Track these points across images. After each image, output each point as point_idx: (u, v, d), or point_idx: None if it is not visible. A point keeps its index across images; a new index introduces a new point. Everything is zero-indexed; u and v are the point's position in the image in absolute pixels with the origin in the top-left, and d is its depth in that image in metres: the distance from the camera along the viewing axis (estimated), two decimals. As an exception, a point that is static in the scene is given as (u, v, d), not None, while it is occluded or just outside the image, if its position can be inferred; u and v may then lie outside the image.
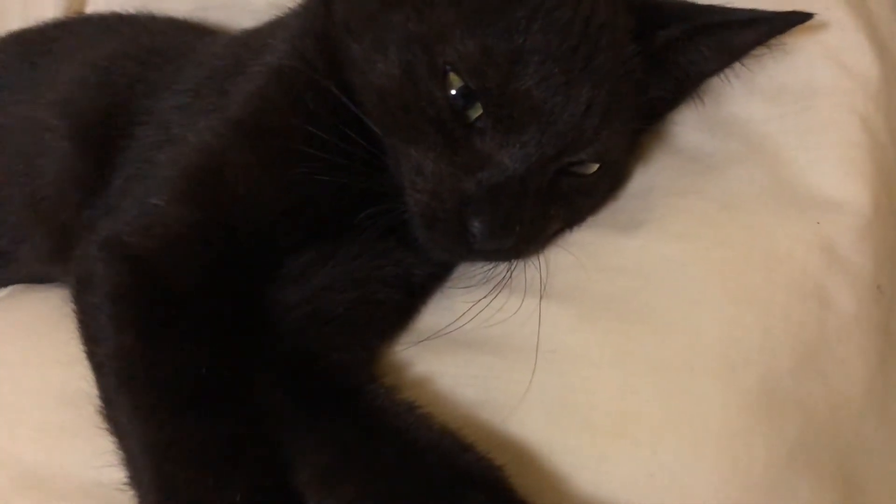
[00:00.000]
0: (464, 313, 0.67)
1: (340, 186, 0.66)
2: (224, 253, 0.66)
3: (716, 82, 0.74)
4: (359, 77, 0.67)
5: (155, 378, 0.60)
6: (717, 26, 0.70)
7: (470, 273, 0.72)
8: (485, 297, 0.68)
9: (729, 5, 0.71)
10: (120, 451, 0.60)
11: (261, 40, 0.77)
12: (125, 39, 0.89)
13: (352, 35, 0.68)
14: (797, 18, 0.69)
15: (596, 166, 0.68)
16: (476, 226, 0.63)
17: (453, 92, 0.63)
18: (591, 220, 0.72)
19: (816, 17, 0.70)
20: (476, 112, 0.64)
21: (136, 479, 0.59)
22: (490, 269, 0.70)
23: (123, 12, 0.96)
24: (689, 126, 0.75)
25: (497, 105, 0.63)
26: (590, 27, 0.65)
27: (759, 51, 0.70)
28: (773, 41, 0.70)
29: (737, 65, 0.72)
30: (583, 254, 0.68)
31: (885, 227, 0.67)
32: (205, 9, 0.98)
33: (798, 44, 0.71)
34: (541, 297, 0.66)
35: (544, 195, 0.66)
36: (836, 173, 0.68)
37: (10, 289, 0.86)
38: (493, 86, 0.62)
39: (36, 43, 0.91)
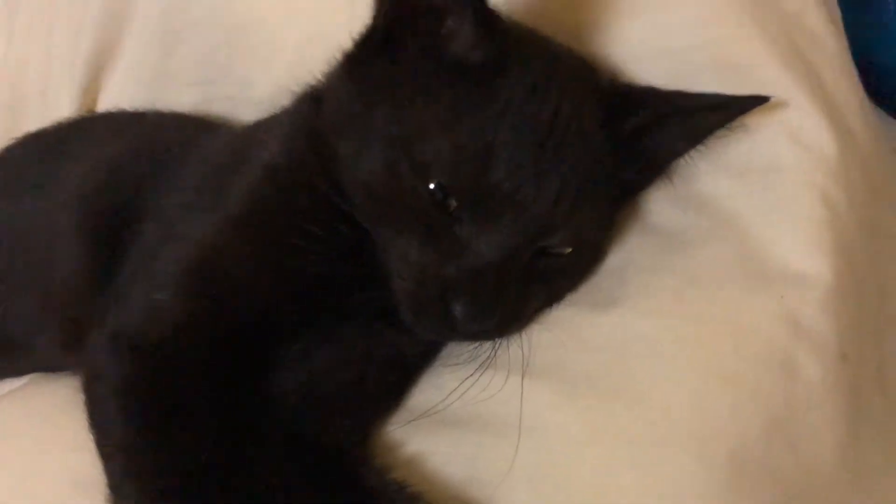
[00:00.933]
0: (452, 391, 0.71)
1: (332, 275, 0.70)
2: (225, 343, 0.70)
3: (684, 160, 0.77)
4: (346, 173, 0.72)
5: (159, 468, 0.64)
6: (682, 111, 0.75)
7: (457, 351, 0.76)
8: (471, 375, 0.72)
9: (692, 88, 0.76)
10: None
11: (256, 138, 0.82)
12: (133, 137, 0.94)
13: (339, 134, 0.73)
14: (757, 101, 0.73)
15: (570, 249, 0.72)
16: (458, 309, 0.67)
17: (432, 186, 0.68)
18: (570, 298, 0.75)
19: (777, 98, 0.74)
20: (454, 203, 0.68)
21: None
22: (476, 348, 0.74)
23: (132, 110, 1.02)
24: (659, 203, 0.79)
25: (471, 198, 0.67)
26: (558, 119, 0.69)
27: (723, 132, 0.75)
28: (735, 123, 0.74)
29: (703, 145, 0.76)
30: (562, 331, 0.72)
31: (847, 298, 0.70)
32: (209, 101, 1.03)
33: (761, 123, 0.75)
34: (523, 375, 0.70)
35: (523, 277, 0.70)
36: (798, 248, 0.71)
37: (28, 377, 0.91)
38: (466, 181, 0.67)
39: (50, 143, 0.97)
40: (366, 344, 0.74)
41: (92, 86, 1.09)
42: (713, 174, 0.77)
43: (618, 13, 0.82)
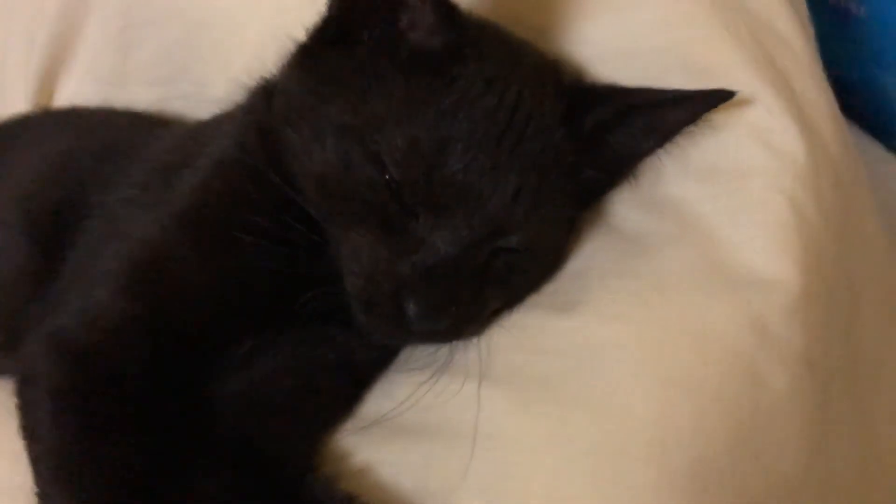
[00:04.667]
0: (405, 398, 0.68)
1: (281, 273, 0.67)
2: (165, 345, 0.67)
3: (650, 162, 0.75)
4: (298, 166, 0.69)
5: (92, 475, 0.61)
6: (646, 106, 0.72)
7: (413, 357, 0.73)
8: (426, 380, 0.69)
9: (658, 86, 0.74)
10: None
11: (207, 134, 0.80)
12: (82, 134, 0.91)
13: (291, 126, 0.70)
14: (722, 96, 0.71)
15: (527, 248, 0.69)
16: (411, 308, 0.64)
17: (387, 177, 0.65)
18: (529, 301, 0.73)
19: (742, 95, 0.72)
20: (408, 196, 0.66)
21: None
22: (432, 353, 0.71)
23: (84, 107, 0.99)
24: (624, 206, 0.76)
25: (425, 192, 0.65)
26: (516, 114, 0.67)
27: (688, 129, 0.72)
28: (700, 120, 0.72)
29: (669, 145, 0.74)
30: (521, 335, 0.69)
31: (815, 305, 0.68)
32: (166, 100, 1.01)
33: (728, 123, 0.73)
34: (480, 381, 0.67)
35: (480, 276, 0.68)
36: (765, 253, 0.69)
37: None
38: (421, 173, 0.65)
39: (-1, 136, 0.94)
40: (315, 348, 0.71)
41: (47, 84, 1.06)
42: (679, 176, 0.75)
43: (582, 13, 0.80)
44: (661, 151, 0.74)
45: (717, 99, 0.70)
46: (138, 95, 1.02)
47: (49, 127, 0.96)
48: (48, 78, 1.07)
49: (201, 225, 0.70)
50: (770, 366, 0.65)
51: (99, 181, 0.80)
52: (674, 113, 0.71)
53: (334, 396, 0.71)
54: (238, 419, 0.67)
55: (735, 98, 0.71)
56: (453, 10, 0.69)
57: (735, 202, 0.72)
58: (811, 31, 0.83)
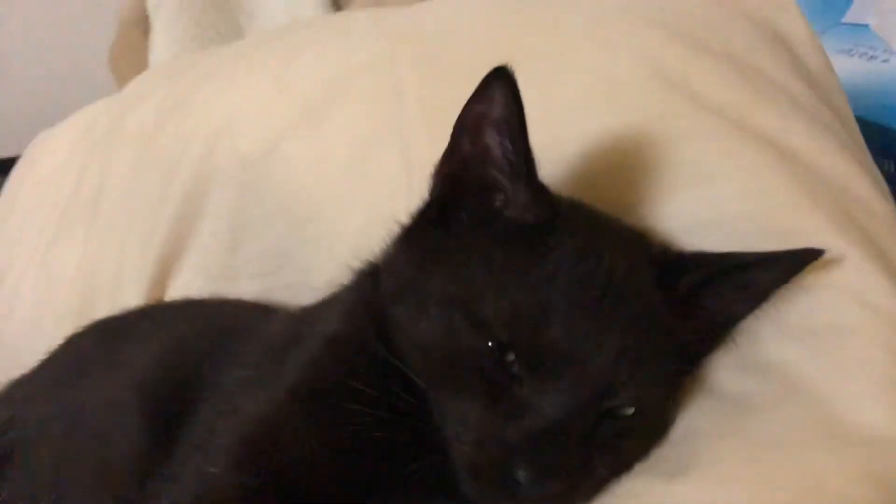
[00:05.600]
0: None
1: (387, 443, 0.68)
2: None
3: (746, 325, 0.76)
4: (403, 338, 0.72)
5: None
6: (736, 268, 0.74)
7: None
8: None
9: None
10: None
11: (317, 315, 0.84)
12: (196, 321, 0.97)
13: (396, 300, 0.74)
14: (810, 256, 0.73)
15: (633, 409, 0.69)
16: (521, 474, 0.64)
17: (490, 343, 0.68)
18: (636, 469, 0.71)
19: (830, 255, 0.74)
20: (514, 362, 0.67)
21: None
22: None
23: (197, 298, 1.06)
24: (724, 371, 0.76)
25: (530, 356, 0.67)
26: (613, 277, 0.70)
27: (781, 292, 0.74)
28: (792, 281, 0.73)
29: (762, 307, 0.75)
30: (633, 503, 0.68)
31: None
32: (271, 290, 1.07)
33: (819, 283, 0.75)
34: None
35: (588, 442, 0.68)
36: (879, 410, 0.67)
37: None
38: (524, 339, 0.67)
39: (116, 329, 1.00)
40: None
41: (160, 281, 1.13)
42: (777, 338, 0.75)
43: (664, 189, 0.85)
44: (755, 314, 0.75)
45: (806, 257, 0.72)
46: (245, 287, 1.08)
47: (167, 316, 1.02)
48: (161, 276, 1.14)
49: (311, 397, 0.73)
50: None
51: (214, 364, 0.85)
52: (765, 274, 0.73)
53: None
54: None
55: (824, 258, 0.73)
56: (544, 190, 0.74)
57: (839, 361, 0.72)
58: (888, 192, 0.86)
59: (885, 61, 1.52)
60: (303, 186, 1.05)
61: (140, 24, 1.98)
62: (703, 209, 0.83)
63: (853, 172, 0.83)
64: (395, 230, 0.80)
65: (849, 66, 1.50)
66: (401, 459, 0.69)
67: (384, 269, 0.79)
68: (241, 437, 0.73)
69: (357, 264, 0.84)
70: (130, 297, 1.14)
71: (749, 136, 0.85)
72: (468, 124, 0.74)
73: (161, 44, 1.86)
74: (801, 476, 0.65)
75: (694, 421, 0.74)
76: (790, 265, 0.73)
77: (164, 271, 1.14)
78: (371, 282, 0.80)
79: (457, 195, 0.76)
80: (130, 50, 1.99)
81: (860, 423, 0.68)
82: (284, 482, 0.70)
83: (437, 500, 0.71)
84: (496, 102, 0.71)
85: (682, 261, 0.76)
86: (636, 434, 0.71)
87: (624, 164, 0.87)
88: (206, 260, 1.11)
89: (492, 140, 0.73)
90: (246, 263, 1.09)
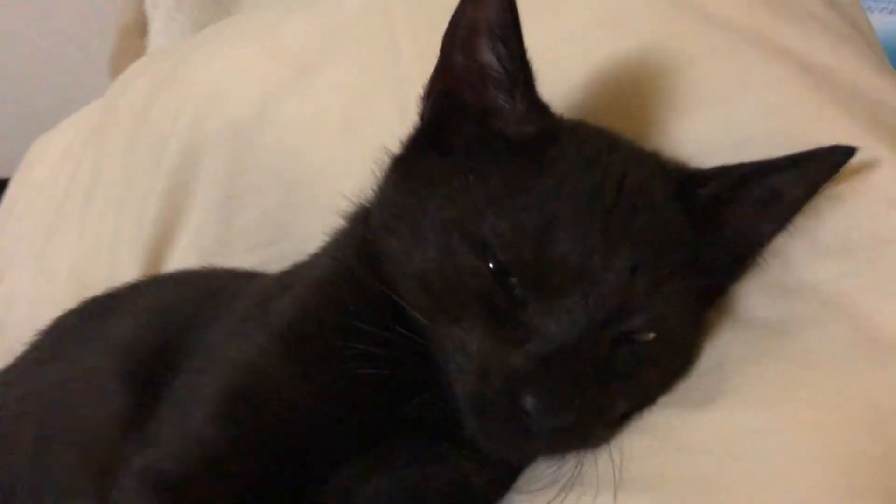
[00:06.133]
0: None
1: (384, 381, 0.62)
2: (263, 473, 0.62)
3: (777, 245, 0.69)
4: (398, 268, 0.66)
5: None
6: (757, 174, 0.67)
7: (536, 475, 0.64)
8: (553, 500, 0.60)
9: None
10: None
11: (307, 265, 0.78)
12: (184, 287, 0.92)
13: (389, 231, 0.68)
14: (842, 155, 0.65)
15: (653, 334, 0.62)
16: (529, 402, 0.57)
17: (491, 265, 0.61)
18: (662, 402, 0.64)
19: (864, 159, 0.66)
20: (516, 283, 0.61)
21: None
22: (557, 469, 0.62)
23: (188, 269, 1.00)
24: (754, 296, 0.69)
25: (534, 276, 0.60)
26: (624, 187, 0.63)
27: (811, 204, 0.67)
28: (823, 189, 0.66)
29: (793, 223, 0.68)
30: (659, 435, 0.61)
31: None
32: (267, 263, 1.01)
33: (854, 192, 0.68)
34: (615, 490, 0.58)
35: (603, 368, 0.61)
36: None
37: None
38: (528, 256, 0.60)
39: (104, 303, 0.95)
40: (425, 468, 0.64)
41: (154, 257, 1.08)
42: (810, 258, 0.68)
43: (676, 114, 0.78)
44: (785, 231, 0.68)
45: (837, 157, 0.65)
46: (241, 260, 1.02)
47: (152, 286, 0.97)
48: (154, 258, 1.09)
49: (301, 339, 0.67)
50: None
51: (200, 324, 0.79)
52: (793, 180, 0.66)
53: None
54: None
55: (857, 163, 0.66)
56: (543, 104, 0.68)
57: (879, 273, 0.64)
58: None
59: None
60: (295, 148, 1.00)
61: (139, 32, 1.96)
62: (719, 131, 0.76)
63: (885, 85, 0.76)
64: (385, 161, 0.74)
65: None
66: (398, 403, 0.63)
67: (376, 202, 0.73)
68: (226, 388, 0.67)
69: (347, 206, 0.78)
70: (126, 271, 1.08)
71: (768, 51, 0.78)
72: (459, 34, 0.67)
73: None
74: (846, 395, 0.58)
75: (722, 351, 0.66)
76: (819, 168, 0.65)
77: (157, 250, 1.09)
78: (361, 222, 0.74)
79: (450, 119, 0.70)
80: (131, 58, 1.97)
81: None
82: (272, 433, 0.64)
83: (441, 448, 0.64)
84: (489, 4, 0.65)
85: (700, 174, 0.69)
86: (658, 362, 0.64)
87: (633, 90, 0.80)
88: (201, 236, 1.06)
89: (485, 49, 0.67)
90: (241, 236, 1.04)
